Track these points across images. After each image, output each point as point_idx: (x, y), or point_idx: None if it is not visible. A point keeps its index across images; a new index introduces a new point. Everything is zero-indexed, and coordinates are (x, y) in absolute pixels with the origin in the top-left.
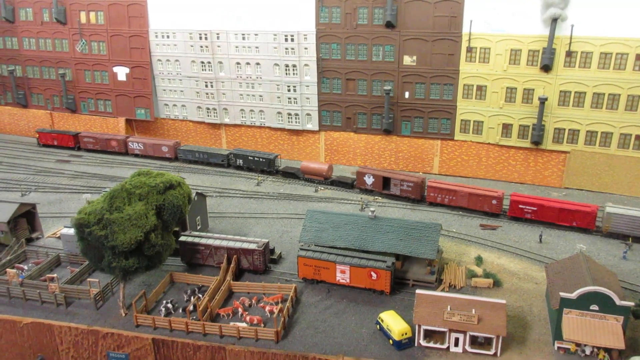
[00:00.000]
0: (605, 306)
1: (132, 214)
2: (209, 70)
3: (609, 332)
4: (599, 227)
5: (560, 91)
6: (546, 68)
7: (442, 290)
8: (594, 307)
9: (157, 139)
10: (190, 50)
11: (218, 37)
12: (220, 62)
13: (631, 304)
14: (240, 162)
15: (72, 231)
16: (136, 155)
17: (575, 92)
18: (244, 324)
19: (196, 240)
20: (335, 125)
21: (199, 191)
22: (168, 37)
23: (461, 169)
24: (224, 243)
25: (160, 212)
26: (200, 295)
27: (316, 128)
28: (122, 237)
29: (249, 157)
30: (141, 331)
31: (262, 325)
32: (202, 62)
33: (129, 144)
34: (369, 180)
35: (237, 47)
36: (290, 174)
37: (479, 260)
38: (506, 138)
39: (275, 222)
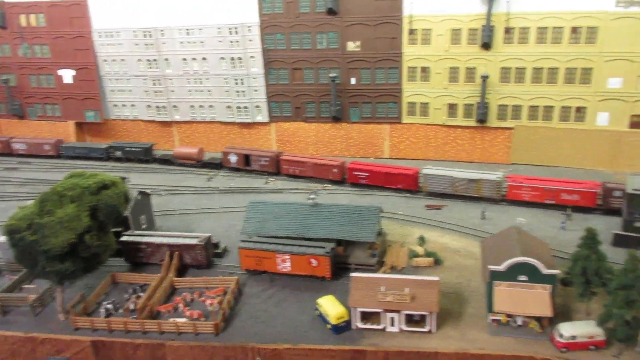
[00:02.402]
0: (533, 276)
1: (64, 217)
2: (156, 67)
3: (537, 301)
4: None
5: (501, 68)
6: (486, 46)
7: (384, 272)
8: (523, 277)
9: (39, 138)
10: (135, 48)
11: (162, 34)
12: (167, 59)
13: (557, 271)
14: (119, 153)
15: None
16: (72, 158)
17: (516, 68)
18: (183, 320)
19: (138, 239)
20: (285, 116)
21: (142, 190)
22: (112, 36)
23: (411, 152)
24: (166, 240)
25: (95, 213)
26: (141, 294)
27: (266, 120)
28: (54, 241)
29: (126, 148)
30: (80, 334)
31: (203, 319)
32: (149, 60)
33: (12, 144)
34: (233, 158)
35: (182, 42)
36: (166, 161)
37: (422, 240)
38: (452, 118)
39: (224, 216)
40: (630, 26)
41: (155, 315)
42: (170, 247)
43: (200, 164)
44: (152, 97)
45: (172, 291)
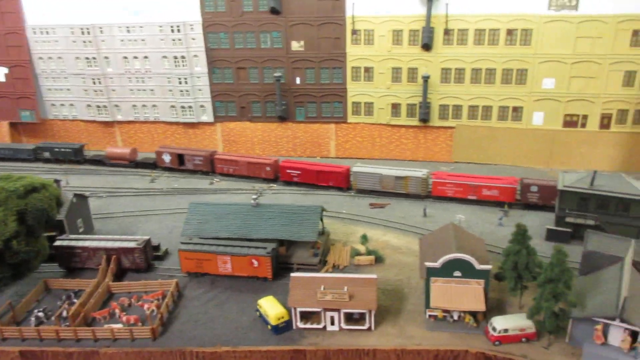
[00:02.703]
0: (467, 272)
1: None
2: (95, 66)
3: (471, 296)
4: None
5: (442, 69)
6: (427, 47)
7: (326, 271)
8: (457, 273)
9: None
10: (73, 46)
11: (101, 32)
12: (107, 57)
13: (489, 267)
14: (47, 154)
15: None
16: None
17: (456, 69)
18: (119, 325)
19: (72, 243)
20: (230, 116)
21: (79, 192)
22: (47, 33)
23: (357, 151)
24: (102, 244)
25: (23, 217)
26: (75, 300)
27: (211, 120)
28: None
29: (55, 149)
30: (8, 344)
31: (140, 324)
32: (87, 58)
33: None
34: (167, 158)
35: (122, 40)
36: (97, 161)
37: (364, 239)
38: (396, 118)
39: (166, 218)
40: (562, 29)
41: (90, 322)
42: (108, 251)
43: (134, 164)
44: (92, 96)
45: (109, 296)
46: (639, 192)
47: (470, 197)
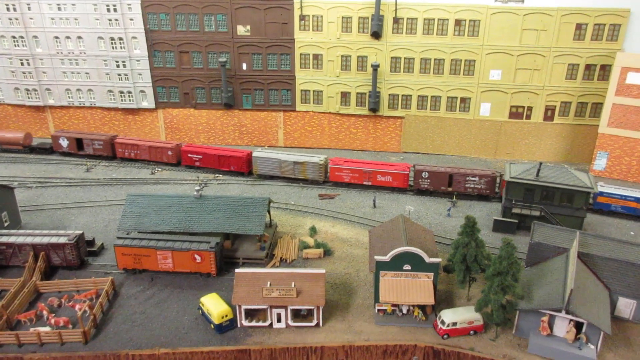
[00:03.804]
0: (417, 265)
1: None
2: (23, 46)
3: (420, 289)
4: (251, 170)
5: (391, 58)
6: (376, 35)
7: (274, 265)
8: (407, 267)
9: None
10: None
11: (29, 8)
12: (36, 37)
13: (439, 260)
14: None
15: None
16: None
17: (405, 58)
18: (47, 328)
19: None
20: (173, 102)
21: (3, 183)
22: None
23: (306, 140)
24: (29, 239)
25: None
26: None
27: (152, 106)
28: None
29: None
30: None
31: (70, 326)
32: (14, 37)
33: None
34: (64, 143)
35: (53, 19)
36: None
37: (313, 231)
38: (345, 107)
39: (102, 211)
40: (509, 20)
41: (14, 325)
42: (35, 247)
43: (28, 149)
44: (20, 78)
45: (37, 296)
46: (582, 184)
47: (365, 183)
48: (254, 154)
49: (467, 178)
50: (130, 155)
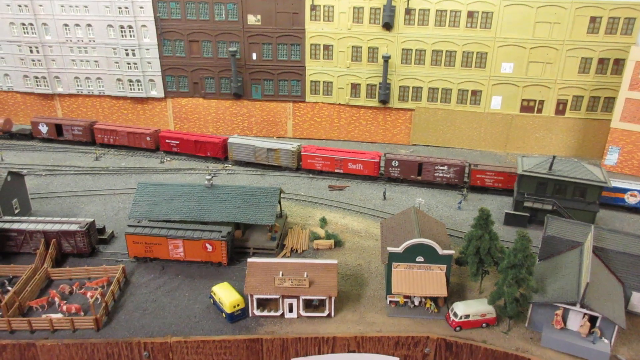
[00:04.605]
0: (430, 257)
1: None
2: (33, 33)
3: (433, 281)
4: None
5: (402, 49)
6: (387, 26)
7: (284, 255)
8: (420, 258)
9: None
10: (6, 10)
11: None
12: (45, 24)
13: (452, 252)
14: None
15: None
16: None
17: (416, 50)
18: (59, 315)
19: (7, 226)
20: (182, 91)
21: (14, 170)
22: None
23: (315, 131)
24: (41, 227)
25: None
26: (10, 288)
27: (162, 95)
28: None
29: None
30: None
31: (82, 313)
32: (23, 24)
33: None
34: (44, 129)
35: (62, 6)
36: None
37: (323, 222)
38: (355, 98)
39: (112, 199)
40: (521, 13)
41: (26, 312)
42: (46, 234)
43: (8, 135)
44: (29, 66)
45: (48, 283)
46: (595, 178)
47: (337, 171)
48: (229, 140)
49: (436, 167)
50: (110, 141)
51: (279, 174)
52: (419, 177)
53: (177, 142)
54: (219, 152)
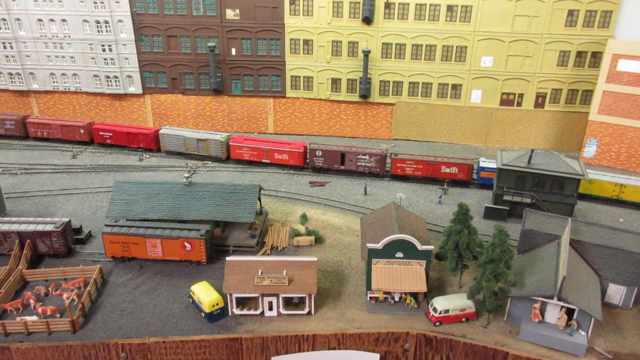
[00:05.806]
0: (409, 252)
1: None
2: (5, 28)
3: (413, 277)
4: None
5: (382, 43)
6: (367, 20)
7: (265, 253)
8: (399, 254)
9: None
10: None
11: None
12: (18, 19)
13: (431, 247)
14: None
15: None
16: None
17: (396, 44)
18: (34, 317)
19: None
20: (161, 87)
21: None
22: None
23: (296, 127)
24: (15, 227)
25: None
26: None
27: (140, 91)
28: None
29: None
30: None
31: (58, 315)
32: None
33: None
34: None
35: (36, 0)
36: None
37: (304, 218)
38: (336, 93)
39: (89, 198)
40: (500, 7)
41: (0, 314)
42: (21, 234)
43: None
44: (2, 62)
45: (23, 285)
46: (573, 171)
47: (264, 161)
48: (161, 131)
49: (358, 156)
50: (43, 135)
51: (260, 170)
52: (342, 167)
53: (111, 135)
54: (151, 143)
